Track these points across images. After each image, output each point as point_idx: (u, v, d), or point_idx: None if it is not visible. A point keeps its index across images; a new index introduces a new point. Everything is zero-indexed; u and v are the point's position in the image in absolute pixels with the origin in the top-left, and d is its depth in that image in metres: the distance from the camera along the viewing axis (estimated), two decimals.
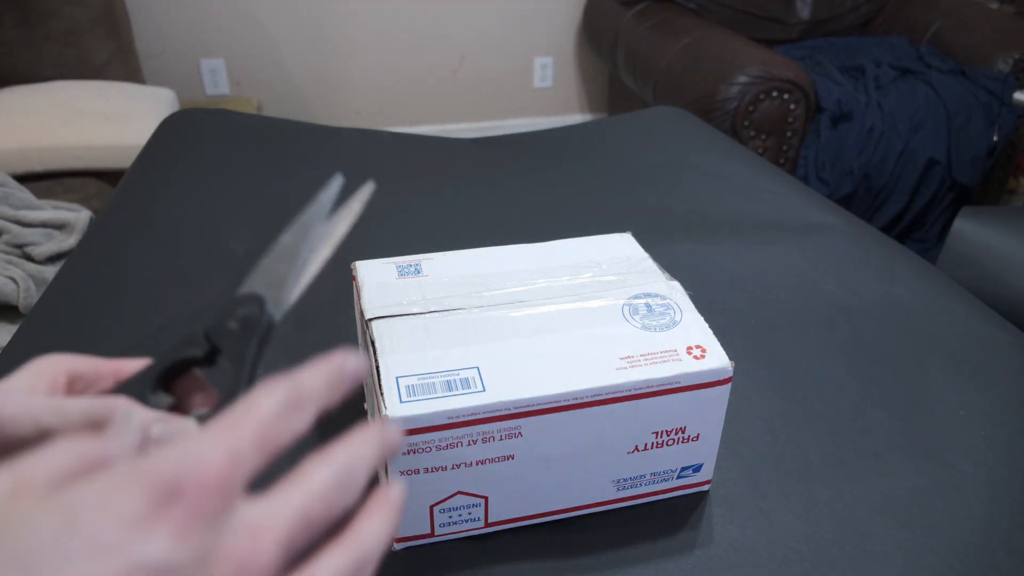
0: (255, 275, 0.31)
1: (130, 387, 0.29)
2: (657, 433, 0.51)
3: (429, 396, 0.46)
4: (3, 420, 0.27)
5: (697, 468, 0.55)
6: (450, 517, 0.51)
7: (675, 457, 0.53)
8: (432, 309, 0.54)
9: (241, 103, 2.51)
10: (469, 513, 0.51)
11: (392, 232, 0.92)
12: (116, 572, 0.20)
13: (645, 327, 0.53)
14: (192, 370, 0.30)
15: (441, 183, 1.04)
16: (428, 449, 0.47)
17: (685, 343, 0.51)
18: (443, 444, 0.47)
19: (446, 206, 0.98)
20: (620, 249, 0.61)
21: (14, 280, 1.28)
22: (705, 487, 0.57)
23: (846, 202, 2.02)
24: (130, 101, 1.90)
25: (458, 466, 0.48)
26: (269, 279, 0.30)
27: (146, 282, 0.80)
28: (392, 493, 0.28)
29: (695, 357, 0.50)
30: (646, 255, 0.61)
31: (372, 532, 0.27)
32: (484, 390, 0.47)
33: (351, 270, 0.59)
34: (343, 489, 0.25)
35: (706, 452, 0.54)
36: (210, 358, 0.30)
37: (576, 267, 0.59)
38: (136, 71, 2.17)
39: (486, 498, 0.51)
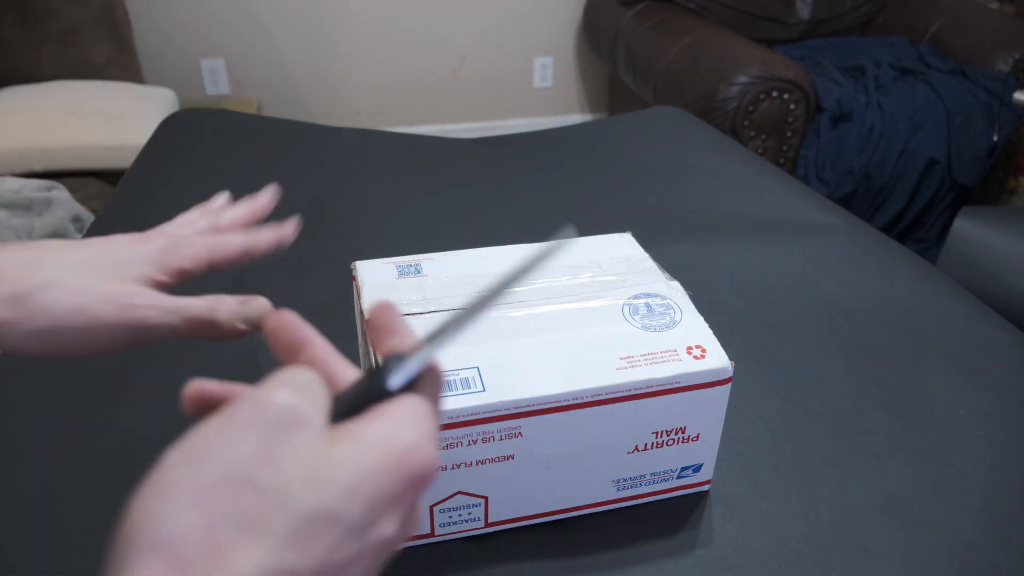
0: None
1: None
2: (657, 433, 0.52)
3: None
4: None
5: (697, 468, 0.55)
6: (450, 517, 0.51)
7: (675, 457, 0.53)
8: (432, 309, 0.54)
9: (241, 103, 2.51)
10: (469, 513, 0.51)
11: (392, 232, 0.92)
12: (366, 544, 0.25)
13: (645, 327, 0.53)
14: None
15: (441, 183, 1.04)
16: None
17: (685, 343, 0.51)
18: (443, 444, 0.47)
19: (446, 206, 0.98)
20: (620, 249, 0.61)
21: None
22: (705, 487, 0.57)
23: (846, 202, 2.02)
24: (130, 101, 1.90)
25: (458, 466, 0.48)
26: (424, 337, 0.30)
27: None
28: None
29: (695, 357, 0.50)
30: (646, 255, 0.61)
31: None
32: (484, 390, 0.47)
33: (351, 270, 0.59)
34: None
35: (706, 452, 0.54)
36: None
37: (576, 267, 0.59)
38: (136, 71, 2.17)
39: (486, 498, 0.51)
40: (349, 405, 0.27)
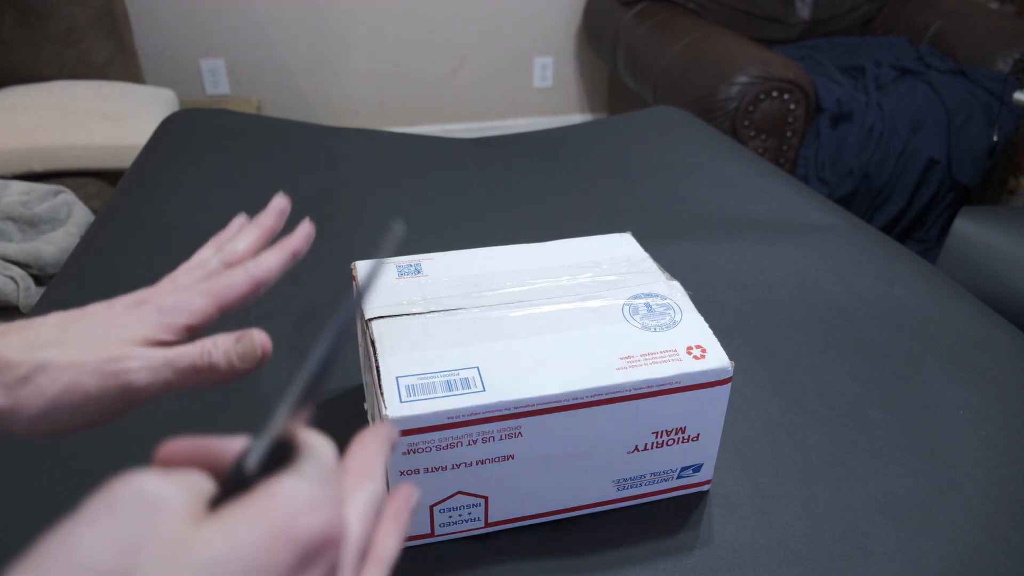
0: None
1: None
2: (657, 433, 0.52)
3: (429, 396, 0.46)
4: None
5: (697, 468, 0.55)
6: (450, 517, 0.51)
7: (675, 457, 0.53)
8: (432, 309, 0.54)
9: (241, 103, 2.51)
10: (469, 513, 0.51)
11: None
12: None
13: (645, 327, 0.53)
14: None
15: (441, 183, 1.04)
16: (428, 449, 0.47)
17: (685, 343, 0.51)
18: (443, 444, 0.47)
19: (446, 206, 0.98)
20: (620, 249, 0.61)
21: (14, 280, 1.28)
22: (705, 487, 0.57)
23: (846, 202, 2.02)
24: (130, 101, 1.90)
25: (458, 466, 0.48)
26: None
27: (146, 282, 0.80)
28: (401, 501, 0.33)
29: (695, 357, 0.50)
30: (646, 255, 0.61)
31: (390, 546, 0.31)
32: (484, 390, 0.47)
33: (351, 270, 0.59)
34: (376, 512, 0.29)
35: (706, 452, 0.54)
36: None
37: (576, 267, 0.59)
38: (136, 71, 2.17)
39: (486, 498, 0.51)
40: (225, 490, 0.26)
